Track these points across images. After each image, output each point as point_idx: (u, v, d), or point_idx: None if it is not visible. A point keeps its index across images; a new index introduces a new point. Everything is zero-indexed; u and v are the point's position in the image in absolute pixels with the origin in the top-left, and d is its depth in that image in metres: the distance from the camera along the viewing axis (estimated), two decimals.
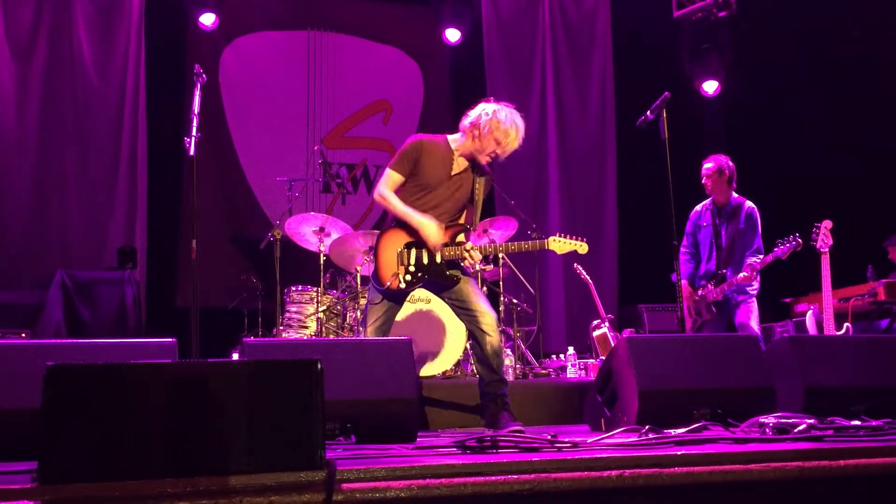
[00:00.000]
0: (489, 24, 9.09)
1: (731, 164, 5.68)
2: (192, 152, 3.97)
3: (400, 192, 4.18)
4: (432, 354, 5.66)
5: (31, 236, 7.59)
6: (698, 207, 5.88)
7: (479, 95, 8.87)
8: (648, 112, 4.82)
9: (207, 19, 8.26)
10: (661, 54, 8.86)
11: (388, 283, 4.10)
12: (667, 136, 4.78)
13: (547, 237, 4.26)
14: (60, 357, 3.01)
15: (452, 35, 8.94)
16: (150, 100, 8.06)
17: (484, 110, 4.11)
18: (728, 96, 8.96)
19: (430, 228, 4.06)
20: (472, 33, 9.05)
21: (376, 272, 4.17)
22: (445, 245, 4.12)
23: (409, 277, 4.10)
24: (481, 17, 9.06)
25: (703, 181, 5.71)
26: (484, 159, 4.16)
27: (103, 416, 2.07)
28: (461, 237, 4.16)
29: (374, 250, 4.21)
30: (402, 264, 4.11)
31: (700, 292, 5.66)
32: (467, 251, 4.07)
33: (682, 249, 5.84)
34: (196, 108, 4.09)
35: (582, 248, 4.26)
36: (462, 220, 4.25)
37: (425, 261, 4.11)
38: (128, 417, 2.08)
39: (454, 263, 4.14)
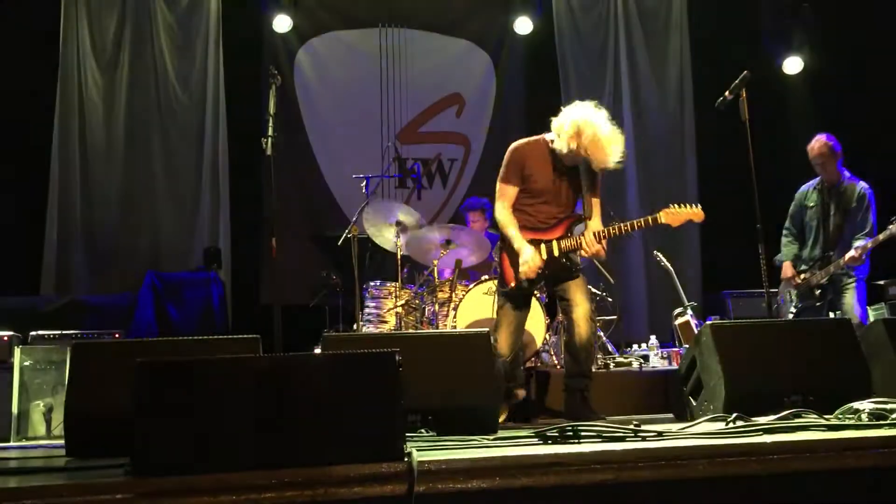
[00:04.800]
0: (560, 12, 9.00)
1: (837, 142, 5.48)
2: (268, 152, 4.05)
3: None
4: None
5: (121, 240, 7.90)
6: (804, 188, 5.67)
7: (553, 84, 8.91)
8: (727, 92, 4.69)
9: (282, 22, 8.40)
10: (741, 33, 8.59)
11: (513, 284, 4.28)
12: (747, 116, 4.63)
13: (625, 219, 4.19)
14: (151, 355, 3.12)
15: (524, 25, 8.87)
16: (230, 103, 8.28)
17: (577, 125, 4.10)
18: (812, 74, 8.63)
19: (525, 256, 4.21)
20: (544, 22, 8.96)
21: (502, 277, 4.38)
22: (561, 238, 4.27)
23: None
24: (552, 4, 8.97)
25: (811, 160, 5.49)
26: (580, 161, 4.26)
27: (191, 411, 2.14)
28: (577, 228, 4.31)
29: (499, 260, 4.47)
30: None
31: (804, 276, 5.45)
32: (582, 238, 4.20)
33: (784, 231, 5.68)
34: (271, 108, 4.17)
35: (698, 215, 4.24)
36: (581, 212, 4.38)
37: (544, 255, 4.25)
38: (214, 411, 2.14)
39: (571, 254, 4.29)
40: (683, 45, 9.07)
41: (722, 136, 7.02)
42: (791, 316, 5.62)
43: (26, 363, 5.14)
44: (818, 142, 5.50)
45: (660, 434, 2.66)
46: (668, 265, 6.83)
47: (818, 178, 5.56)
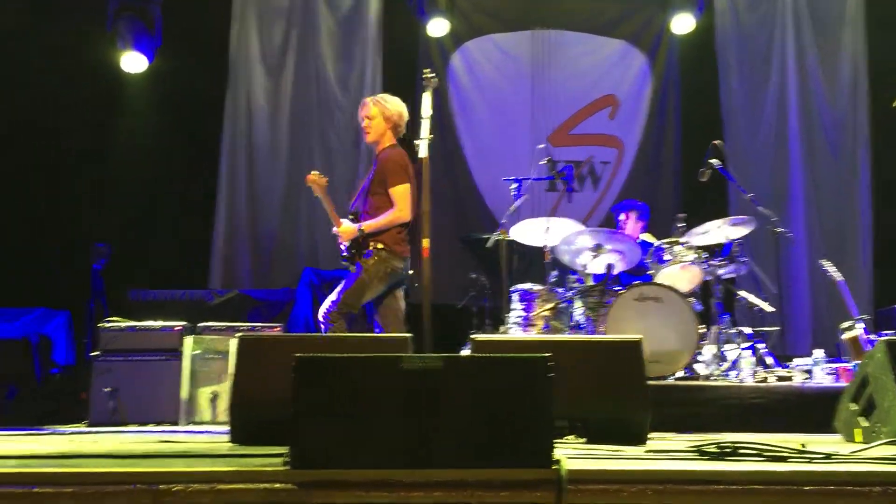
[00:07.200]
0: (723, 9, 8.66)
1: None
2: (422, 154, 4.11)
3: None
4: (664, 354, 5.45)
5: (282, 236, 8.31)
6: None
7: (711, 85, 8.59)
8: None
9: (438, 26, 8.54)
10: None
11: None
12: None
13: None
14: (309, 350, 3.23)
15: (683, 23, 8.58)
16: None
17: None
18: None
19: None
20: (705, 20, 8.65)
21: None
22: None
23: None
24: (714, 3, 8.65)
25: None
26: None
27: (346, 406, 2.19)
28: None
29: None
30: None
31: None
32: None
33: None
34: (426, 111, 4.22)
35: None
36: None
37: None
38: (368, 408, 2.18)
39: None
40: (858, 39, 8.50)
41: None
42: None
43: (195, 352, 5.50)
44: None
45: (828, 456, 2.49)
46: (838, 275, 6.41)
47: None
